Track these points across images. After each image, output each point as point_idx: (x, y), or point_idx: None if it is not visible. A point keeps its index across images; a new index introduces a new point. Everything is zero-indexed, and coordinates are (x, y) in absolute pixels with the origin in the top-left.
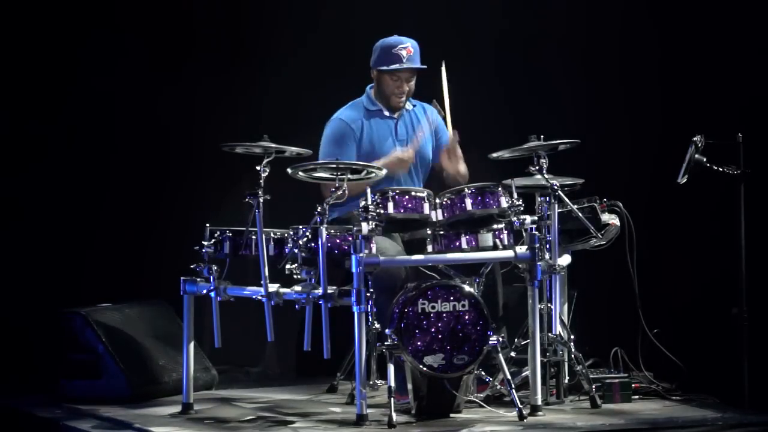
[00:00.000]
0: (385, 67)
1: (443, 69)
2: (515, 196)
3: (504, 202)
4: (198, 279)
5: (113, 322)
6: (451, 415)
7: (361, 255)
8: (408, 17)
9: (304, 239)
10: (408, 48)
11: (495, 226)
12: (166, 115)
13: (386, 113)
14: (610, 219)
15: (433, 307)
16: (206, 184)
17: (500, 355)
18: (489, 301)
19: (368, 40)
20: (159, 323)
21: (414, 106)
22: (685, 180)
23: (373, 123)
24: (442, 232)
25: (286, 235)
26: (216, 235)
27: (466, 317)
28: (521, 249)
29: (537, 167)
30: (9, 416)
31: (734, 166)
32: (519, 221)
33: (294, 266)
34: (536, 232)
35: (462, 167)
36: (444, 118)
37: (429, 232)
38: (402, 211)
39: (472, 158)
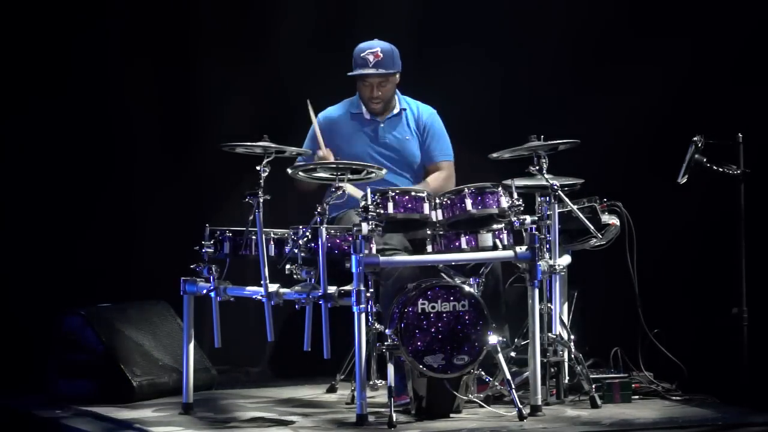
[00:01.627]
0: (350, 72)
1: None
2: (515, 196)
3: (504, 202)
4: (198, 279)
5: (113, 322)
6: (451, 415)
7: (361, 255)
8: (408, 17)
9: (304, 239)
10: (376, 52)
11: (495, 226)
12: (166, 115)
13: (368, 116)
14: (610, 219)
15: (433, 307)
16: (206, 184)
17: (500, 355)
18: (490, 301)
19: (368, 39)
20: (159, 323)
21: (404, 109)
22: (685, 180)
23: (352, 124)
24: (441, 232)
25: (286, 235)
26: (216, 235)
27: (466, 317)
28: (521, 249)
29: (537, 167)
30: (9, 416)
31: (734, 166)
32: (519, 221)
33: (294, 266)
34: (536, 232)
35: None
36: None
37: (429, 232)
38: (402, 211)
39: (472, 158)
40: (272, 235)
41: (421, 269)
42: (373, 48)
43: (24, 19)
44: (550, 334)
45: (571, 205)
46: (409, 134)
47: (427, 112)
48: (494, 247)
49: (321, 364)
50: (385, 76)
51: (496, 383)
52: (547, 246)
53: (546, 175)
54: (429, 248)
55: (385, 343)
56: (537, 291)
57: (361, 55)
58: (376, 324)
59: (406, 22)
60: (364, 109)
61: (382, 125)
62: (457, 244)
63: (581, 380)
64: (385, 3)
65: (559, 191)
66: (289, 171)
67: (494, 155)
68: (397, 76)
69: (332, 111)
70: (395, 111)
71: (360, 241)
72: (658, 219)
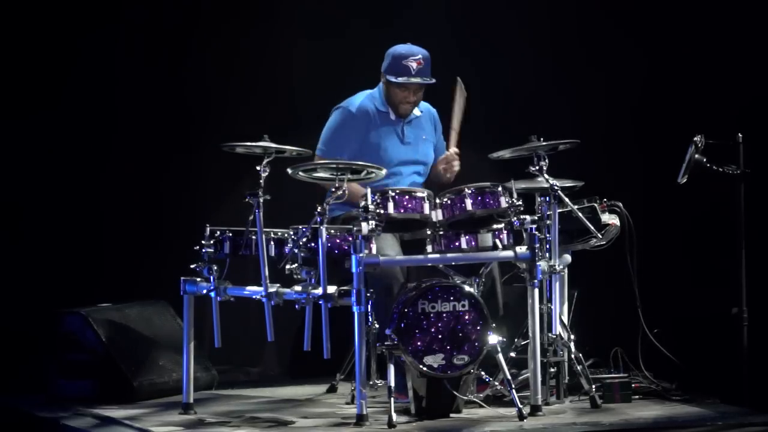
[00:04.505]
0: (393, 79)
1: (458, 86)
2: (515, 196)
3: (504, 202)
4: (198, 279)
5: (113, 322)
6: (451, 415)
7: (361, 255)
8: (408, 16)
9: (304, 239)
10: (419, 60)
11: (495, 226)
12: (167, 115)
13: (393, 117)
14: (610, 219)
15: (433, 307)
16: (206, 184)
17: (500, 355)
18: (489, 301)
19: (368, 39)
20: (159, 323)
21: (422, 111)
22: (685, 180)
23: (382, 121)
24: (442, 232)
25: (286, 235)
26: (216, 235)
27: (466, 317)
28: (521, 249)
29: (537, 167)
30: (9, 416)
31: (734, 166)
32: (519, 221)
33: (294, 266)
34: (536, 232)
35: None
36: (454, 119)
37: (429, 232)
38: (402, 211)
39: (472, 158)
40: (272, 235)
41: (415, 269)
42: (415, 55)
43: (27, 21)
44: (550, 334)
45: (571, 205)
46: (426, 134)
47: (435, 112)
48: (494, 247)
49: (321, 364)
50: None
51: (496, 383)
52: (547, 246)
53: (546, 176)
54: (429, 248)
55: (385, 343)
56: (537, 291)
57: (403, 62)
58: (376, 324)
59: (404, 21)
60: (390, 109)
61: (405, 126)
62: (457, 244)
63: (581, 380)
64: (384, 3)
65: (559, 191)
66: (290, 171)
67: (494, 155)
68: None
69: (364, 102)
70: (417, 113)
71: (360, 241)
72: (658, 219)
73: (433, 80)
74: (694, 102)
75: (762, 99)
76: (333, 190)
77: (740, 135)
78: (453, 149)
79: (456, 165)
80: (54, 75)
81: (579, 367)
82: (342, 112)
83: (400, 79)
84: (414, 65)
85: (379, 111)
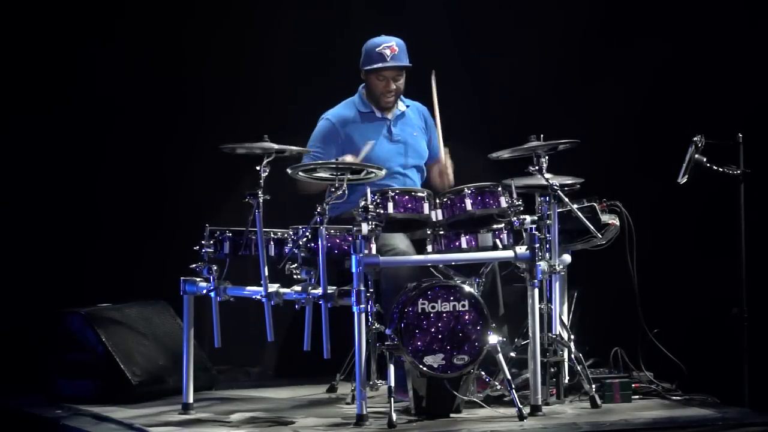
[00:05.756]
0: (368, 67)
1: (433, 80)
2: (515, 196)
3: (504, 202)
4: (198, 279)
5: (113, 322)
6: (451, 415)
7: (361, 255)
8: (406, 16)
9: (304, 239)
10: (392, 46)
11: (495, 226)
12: (167, 115)
13: (378, 114)
14: (610, 219)
15: (433, 307)
16: (206, 184)
17: (500, 354)
18: (489, 301)
19: (367, 39)
20: (159, 323)
21: (408, 106)
22: (685, 180)
23: (366, 124)
24: (442, 232)
25: (286, 235)
26: (216, 235)
27: (466, 317)
28: (521, 249)
29: (537, 167)
30: (9, 416)
31: (734, 166)
32: (519, 221)
33: (294, 266)
34: (536, 232)
35: (450, 181)
36: (435, 124)
37: (429, 232)
38: (402, 211)
39: (473, 158)
40: (272, 235)
41: (419, 269)
42: (388, 42)
43: (31, 28)
44: (550, 334)
45: (571, 205)
46: (416, 131)
47: (425, 108)
48: (494, 247)
49: (321, 364)
50: (401, 70)
51: (496, 383)
52: (547, 246)
53: (546, 175)
54: (429, 248)
55: (385, 343)
56: (537, 291)
57: (377, 50)
58: (376, 324)
59: (404, 22)
60: (372, 107)
61: (392, 123)
62: (457, 244)
63: (581, 380)
64: (383, 3)
65: (559, 191)
66: (289, 171)
67: (494, 155)
68: None
69: (343, 110)
70: (402, 109)
71: (360, 241)
72: (658, 219)
73: (409, 65)
74: (695, 102)
75: (762, 99)
76: (333, 189)
77: (740, 135)
78: (445, 160)
79: (449, 169)
80: (55, 77)
81: (579, 367)
82: (322, 121)
83: (376, 66)
84: (388, 52)
85: (361, 113)
